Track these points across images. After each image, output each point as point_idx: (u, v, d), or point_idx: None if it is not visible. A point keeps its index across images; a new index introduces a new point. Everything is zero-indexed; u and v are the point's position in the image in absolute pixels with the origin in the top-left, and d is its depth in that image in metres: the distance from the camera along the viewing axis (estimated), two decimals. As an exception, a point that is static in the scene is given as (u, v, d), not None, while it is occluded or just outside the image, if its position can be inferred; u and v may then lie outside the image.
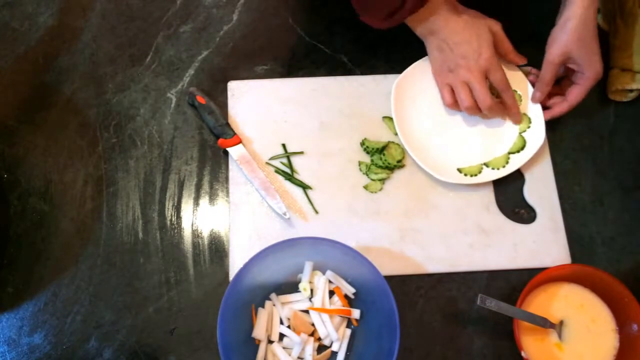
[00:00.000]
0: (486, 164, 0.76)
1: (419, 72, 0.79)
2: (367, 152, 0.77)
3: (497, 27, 0.74)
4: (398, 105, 0.77)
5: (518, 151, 0.76)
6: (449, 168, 0.76)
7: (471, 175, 0.75)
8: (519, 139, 0.77)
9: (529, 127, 0.77)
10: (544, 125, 0.76)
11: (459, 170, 0.76)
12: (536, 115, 0.77)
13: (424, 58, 0.79)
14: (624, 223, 0.76)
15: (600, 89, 0.82)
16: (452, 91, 0.76)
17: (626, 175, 0.78)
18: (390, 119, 0.78)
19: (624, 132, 0.80)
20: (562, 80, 0.77)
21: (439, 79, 0.77)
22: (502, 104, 0.77)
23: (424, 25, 0.73)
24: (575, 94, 0.74)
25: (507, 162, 0.76)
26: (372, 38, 0.84)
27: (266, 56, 0.84)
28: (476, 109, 0.75)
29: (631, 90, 0.80)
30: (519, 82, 0.78)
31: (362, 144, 0.78)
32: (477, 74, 0.72)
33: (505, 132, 0.78)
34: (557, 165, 0.78)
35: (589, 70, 0.71)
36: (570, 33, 0.69)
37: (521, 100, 0.78)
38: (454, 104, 0.77)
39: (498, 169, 0.75)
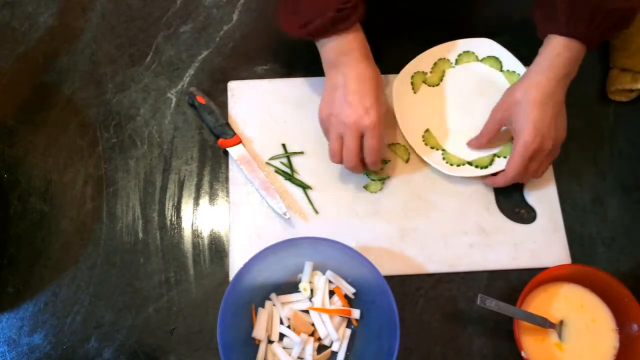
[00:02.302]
0: (497, 155, 0.76)
1: (425, 62, 0.80)
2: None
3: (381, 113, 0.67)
4: (398, 104, 0.78)
5: (505, 156, 0.76)
6: (438, 156, 0.76)
7: (481, 167, 0.75)
8: (510, 145, 0.77)
9: None
10: None
11: (470, 163, 0.76)
12: None
13: (417, 57, 0.80)
14: (624, 223, 0.76)
15: (600, 89, 0.82)
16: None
17: (626, 175, 0.78)
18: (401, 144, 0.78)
19: (624, 132, 0.80)
20: None
21: (321, 117, 0.70)
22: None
23: (334, 56, 0.67)
24: (510, 163, 0.69)
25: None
26: (371, 39, 0.84)
27: (266, 56, 0.84)
28: (340, 162, 0.71)
29: (631, 90, 0.79)
30: (513, 63, 0.79)
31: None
32: (353, 131, 0.66)
33: (501, 134, 0.77)
34: (557, 165, 0.78)
35: (518, 137, 0.67)
36: (515, 95, 0.68)
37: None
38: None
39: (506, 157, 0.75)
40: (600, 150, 0.79)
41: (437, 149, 0.77)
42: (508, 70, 0.80)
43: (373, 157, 0.68)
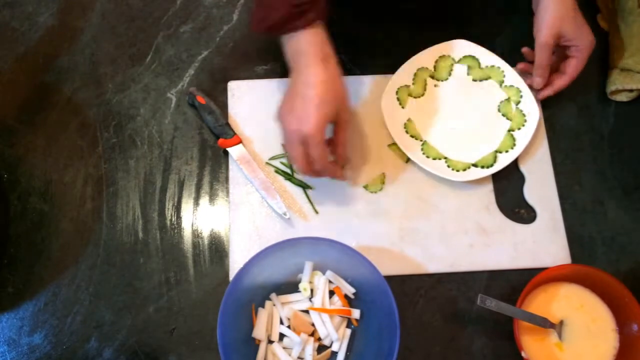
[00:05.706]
0: (498, 150, 0.77)
1: (406, 75, 0.80)
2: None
3: (348, 115, 0.67)
4: (391, 122, 0.78)
5: (507, 150, 0.76)
6: (442, 165, 0.77)
7: (487, 167, 0.75)
8: (508, 137, 0.77)
9: (524, 124, 0.77)
10: (537, 120, 0.76)
11: (475, 165, 0.76)
12: (531, 111, 0.77)
13: (397, 72, 0.79)
14: (624, 223, 0.75)
15: (600, 89, 0.82)
16: None
17: (626, 175, 0.78)
18: (397, 145, 0.77)
19: (624, 132, 0.80)
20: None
21: (277, 117, 0.68)
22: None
23: (290, 56, 0.65)
24: (574, 66, 0.75)
25: (495, 160, 0.76)
26: (372, 38, 0.84)
27: (266, 56, 0.84)
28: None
29: (631, 90, 0.79)
30: (517, 80, 0.79)
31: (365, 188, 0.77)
32: (294, 139, 0.64)
33: (496, 129, 0.78)
34: (557, 165, 0.78)
35: (583, 41, 0.73)
36: (554, 12, 0.71)
37: (521, 97, 0.78)
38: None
39: (489, 167, 0.76)
40: (600, 150, 0.79)
41: (440, 159, 0.77)
42: (487, 66, 0.80)
43: (318, 165, 0.66)
